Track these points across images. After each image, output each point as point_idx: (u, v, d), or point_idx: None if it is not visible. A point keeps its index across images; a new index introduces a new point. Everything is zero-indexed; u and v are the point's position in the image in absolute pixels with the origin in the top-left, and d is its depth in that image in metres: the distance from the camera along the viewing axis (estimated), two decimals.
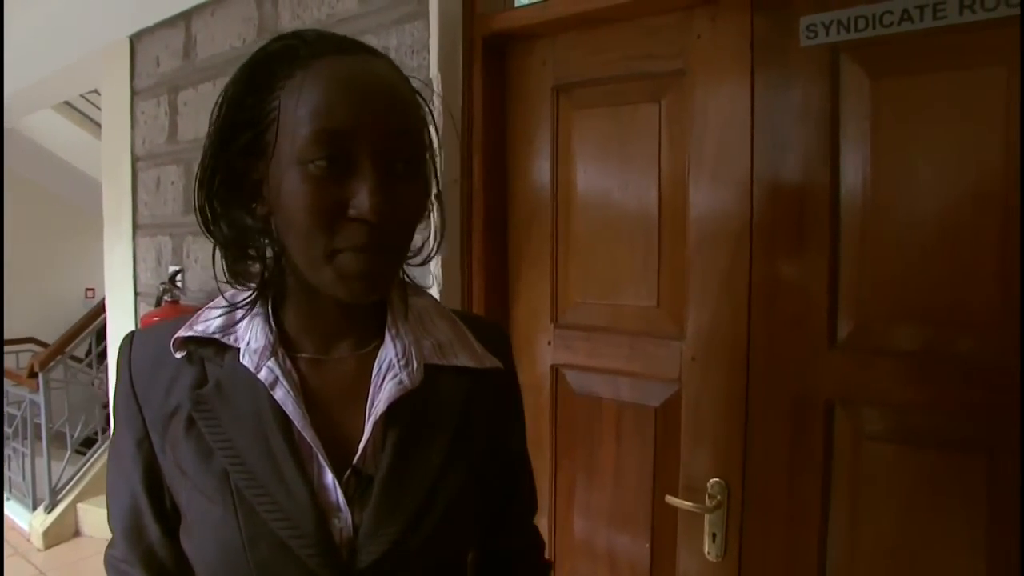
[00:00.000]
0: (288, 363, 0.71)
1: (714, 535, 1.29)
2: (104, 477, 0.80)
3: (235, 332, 0.73)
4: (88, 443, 4.42)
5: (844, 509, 1.18)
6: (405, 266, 0.76)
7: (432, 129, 0.73)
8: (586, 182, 1.48)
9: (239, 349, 0.71)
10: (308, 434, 0.67)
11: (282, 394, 0.68)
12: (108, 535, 0.79)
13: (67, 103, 5.01)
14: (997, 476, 1.06)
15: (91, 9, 2.59)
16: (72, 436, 4.27)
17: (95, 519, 4.00)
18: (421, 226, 0.72)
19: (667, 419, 1.37)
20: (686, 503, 1.31)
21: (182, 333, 0.72)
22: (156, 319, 1.96)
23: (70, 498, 4.08)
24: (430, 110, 0.74)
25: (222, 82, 2.12)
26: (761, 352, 1.25)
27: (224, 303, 0.74)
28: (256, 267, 0.72)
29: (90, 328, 4.43)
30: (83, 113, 5.25)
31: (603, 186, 1.44)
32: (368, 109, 0.63)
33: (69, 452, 4.24)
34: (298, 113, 0.63)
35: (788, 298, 1.22)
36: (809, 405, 1.20)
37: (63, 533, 4.04)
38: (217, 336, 0.72)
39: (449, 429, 0.73)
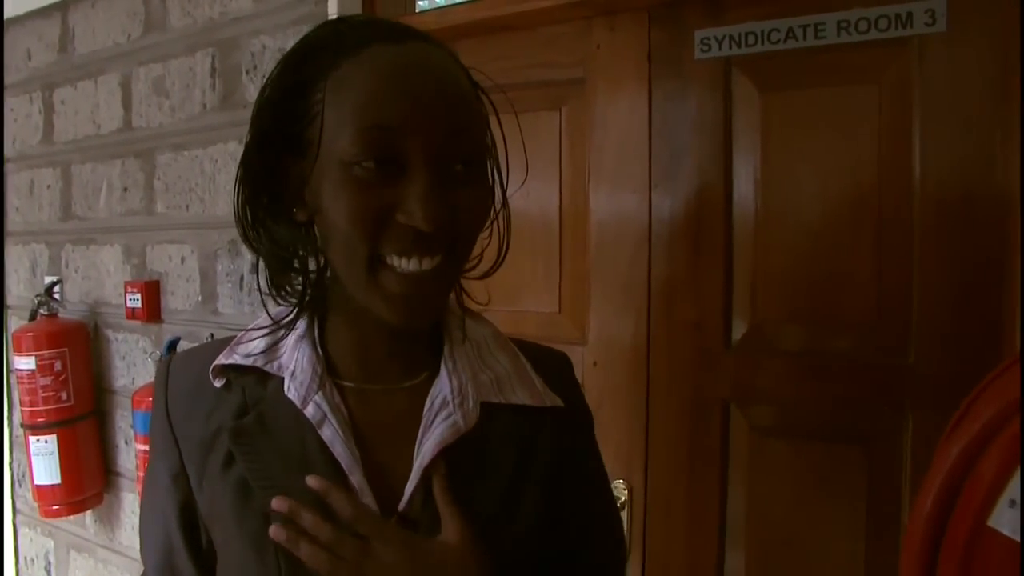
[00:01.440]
0: (336, 396, 0.65)
1: None
2: None
3: (279, 358, 0.66)
4: None
5: (740, 503, 1.23)
6: (463, 285, 0.70)
7: (494, 130, 0.65)
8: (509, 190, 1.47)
9: (283, 378, 0.65)
10: (356, 479, 0.61)
11: (330, 434, 0.62)
12: None
13: None
14: (874, 464, 1.13)
15: None
16: None
17: None
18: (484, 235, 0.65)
19: None
20: None
21: (221, 360, 0.66)
22: (30, 334, 1.81)
23: None
24: (493, 108, 0.66)
25: (105, 80, 1.98)
26: (661, 355, 1.28)
27: (267, 323, 0.67)
28: (299, 282, 0.65)
29: None
30: None
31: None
32: (421, 104, 0.55)
33: None
34: (343, 108, 0.56)
35: (686, 302, 1.26)
36: (706, 405, 1.24)
37: None
38: (259, 364, 0.65)
39: (504, 476, 0.65)
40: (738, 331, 1.23)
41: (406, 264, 0.56)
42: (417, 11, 1.53)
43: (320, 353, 0.66)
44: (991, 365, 1.03)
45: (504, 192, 0.68)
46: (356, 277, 0.58)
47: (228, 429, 0.63)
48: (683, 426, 1.27)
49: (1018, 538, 0.62)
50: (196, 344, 1.71)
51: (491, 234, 0.67)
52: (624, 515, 1.31)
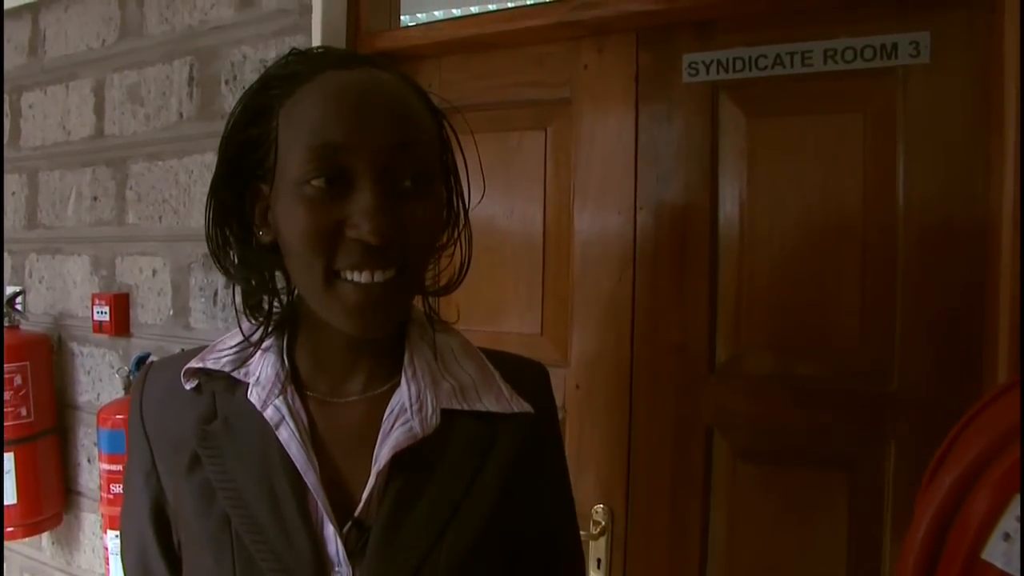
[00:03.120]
0: (297, 402, 0.67)
1: (599, 561, 1.30)
2: None
3: (248, 366, 0.69)
4: None
5: (722, 528, 1.22)
6: (430, 299, 0.72)
7: (453, 152, 0.69)
8: (470, 207, 1.46)
9: (249, 384, 0.67)
10: (310, 479, 0.62)
11: (287, 435, 0.64)
12: None
13: None
14: (857, 490, 1.13)
15: None
16: None
17: None
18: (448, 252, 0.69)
19: None
20: None
21: (193, 364, 0.68)
22: None
23: None
24: (452, 129, 0.70)
25: (77, 85, 1.93)
26: (644, 379, 1.27)
27: (238, 338, 0.69)
28: (257, 304, 0.68)
29: None
30: None
31: (488, 212, 1.43)
32: (366, 121, 0.58)
33: None
34: (294, 131, 0.59)
35: (670, 326, 1.25)
36: (690, 430, 1.24)
37: None
38: (228, 370, 0.68)
39: (462, 481, 0.66)
40: (722, 355, 1.22)
41: (359, 276, 0.59)
42: (402, 26, 1.51)
43: (285, 363, 0.68)
44: (973, 392, 1.04)
45: (466, 210, 0.72)
46: (314, 291, 0.61)
47: (195, 432, 0.66)
48: (665, 450, 1.25)
49: (1012, 572, 0.61)
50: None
51: (454, 252, 0.72)
52: (604, 540, 1.29)
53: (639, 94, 1.26)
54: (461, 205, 0.71)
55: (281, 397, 0.66)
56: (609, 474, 1.30)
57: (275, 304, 0.69)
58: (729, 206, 1.21)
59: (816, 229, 1.15)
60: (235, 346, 0.70)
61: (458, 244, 0.72)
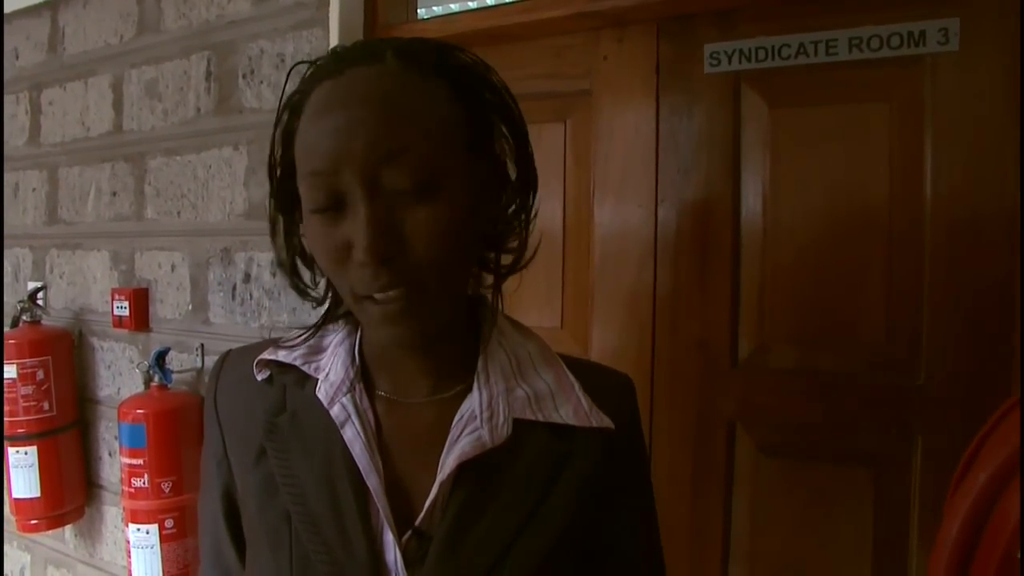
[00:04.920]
0: (364, 401, 0.65)
1: None
2: None
3: (318, 361, 0.68)
4: None
5: (745, 524, 1.21)
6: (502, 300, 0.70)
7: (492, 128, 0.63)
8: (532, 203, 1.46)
9: (319, 379, 0.66)
10: (372, 482, 0.60)
11: (351, 434, 0.62)
12: None
13: None
14: (882, 486, 1.11)
15: None
16: None
17: None
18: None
19: None
20: None
21: (266, 355, 0.68)
22: (11, 342, 1.76)
23: None
24: (499, 102, 0.63)
25: (95, 81, 1.94)
26: (665, 374, 1.26)
27: (304, 338, 0.70)
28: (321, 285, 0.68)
29: None
30: None
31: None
32: (349, 138, 0.54)
33: None
34: (298, 160, 0.59)
35: (691, 319, 1.24)
36: (712, 425, 1.22)
37: None
38: (298, 364, 0.67)
39: (532, 497, 0.62)
40: (744, 349, 1.21)
41: (375, 295, 0.57)
42: (419, 18, 1.50)
43: (356, 360, 0.67)
44: (1003, 386, 1.02)
45: (525, 192, 0.67)
46: (351, 305, 0.61)
47: (263, 424, 0.66)
48: (688, 445, 1.24)
49: None
50: (185, 355, 1.67)
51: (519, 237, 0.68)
52: None
53: (660, 85, 1.25)
54: (511, 188, 0.65)
55: (349, 395, 0.64)
56: None
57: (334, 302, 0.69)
58: (752, 198, 1.19)
59: (841, 221, 1.13)
60: (307, 335, 0.69)
61: (520, 236, 0.68)
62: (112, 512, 1.89)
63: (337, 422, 0.63)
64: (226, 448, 0.70)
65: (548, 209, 1.37)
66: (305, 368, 0.67)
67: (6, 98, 2.13)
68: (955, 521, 0.70)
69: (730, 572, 1.22)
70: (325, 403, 0.64)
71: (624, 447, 0.70)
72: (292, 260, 0.67)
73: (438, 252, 0.57)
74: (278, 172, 0.63)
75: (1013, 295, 1.03)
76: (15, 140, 2.10)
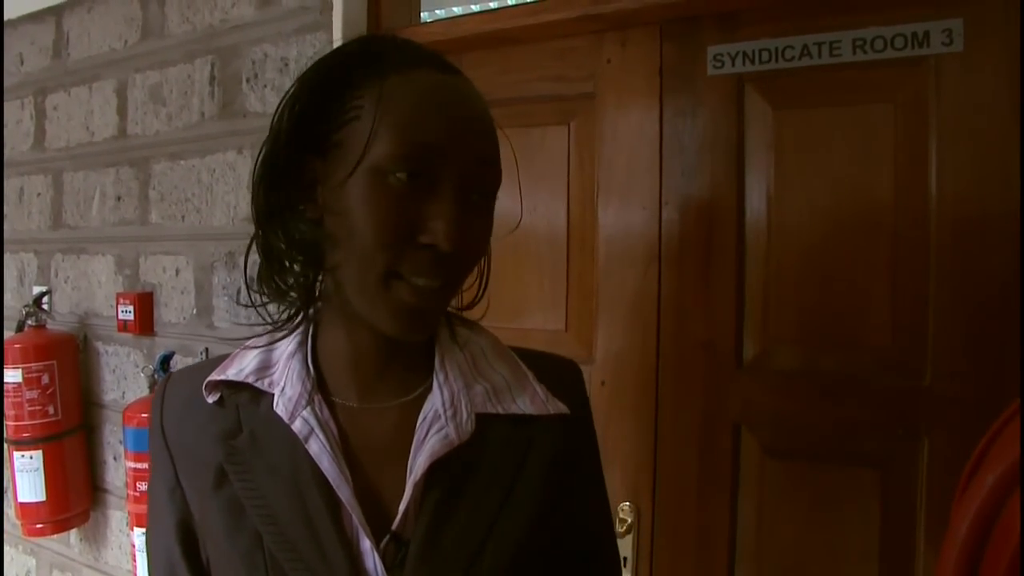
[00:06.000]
0: (325, 412, 0.64)
1: (625, 559, 1.29)
2: None
3: (271, 375, 0.66)
4: None
5: (751, 526, 1.21)
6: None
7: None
8: (506, 207, 1.45)
9: (274, 395, 0.65)
10: (344, 494, 0.60)
11: (317, 448, 0.61)
12: None
13: None
14: (889, 488, 1.11)
15: None
16: None
17: None
18: None
19: None
20: None
21: (214, 376, 0.66)
22: (17, 346, 1.76)
23: None
24: (513, 153, 0.69)
25: (100, 86, 1.94)
26: (670, 375, 1.26)
27: (261, 340, 0.68)
28: (295, 283, 0.65)
29: None
30: None
31: (512, 208, 1.42)
32: (462, 131, 0.58)
33: None
34: (388, 118, 0.57)
35: (696, 321, 1.23)
36: (717, 427, 1.22)
37: None
38: (251, 381, 0.66)
39: (501, 487, 0.64)
40: (749, 351, 1.20)
41: (419, 280, 0.58)
42: (423, 21, 1.51)
43: (311, 370, 0.66)
44: (1010, 387, 1.02)
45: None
46: (365, 286, 0.59)
47: (221, 447, 0.64)
48: (692, 447, 1.24)
49: None
50: (190, 359, 1.68)
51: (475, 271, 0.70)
52: (631, 538, 1.28)
53: (663, 87, 1.25)
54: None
55: (309, 408, 0.63)
56: (635, 471, 1.29)
57: (314, 290, 0.66)
58: (756, 200, 1.19)
59: (846, 222, 1.13)
60: (258, 352, 0.68)
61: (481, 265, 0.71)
62: (117, 516, 1.89)
63: (300, 436, 0.62)
64: (178, 476, 0.67)
65: (552, 212, 1.37)
66: (259, 385, 0.66)
67: (11, 103, 2.13)
68: (963, 522, 0.70)
69: (736, 574, 1.22)
70: (285, 418, 0.63)
71: (579, 429, 0.74)
72: (289, 247, 0.63)
73: (477, 259, 0.65)
74: (310, 105, 0.61)
75: (1019, 295, 1.02)
76: (20, 145, 2.11)
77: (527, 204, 1.40)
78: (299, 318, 0.68)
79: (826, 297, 1.14)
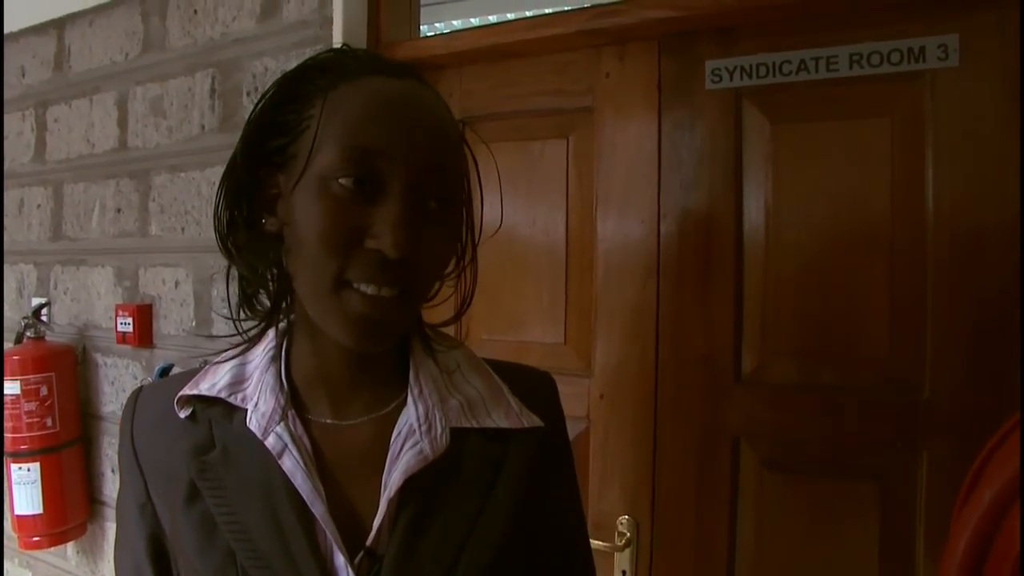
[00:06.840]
0: (299, 428, 0.64)
1: (624, 573, 1.28)
2: None
3: (244, 390, 0.66)
4: None
5: (749, 540, 1.20)
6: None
7: (470, 183, 0.67)
8: (492, 217, 1.46)
9: (247, 410, 0.64)
10: (318, 510, 0.60)
11: (291, 464, 0.61)
12: None
13: None
14: (888, 502, 1.11)
15: None
16: None
17: None
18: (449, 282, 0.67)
19: (576, 457, 1.35)
20: (595, 542, 1.28)
21: (186, 391, 0.66)
22: (15, 358, 1.76)
23: None
24: (475, 161, 0.67)
25: (100, 99, 1.95)
26: (669, 389, 1.26)
27: (232, 356, 0.68)
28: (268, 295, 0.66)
29: None
30: None
31: (510, 221, 1.43)
32: (408, 134, 0.57)
33: None
34: (333, 126, 0.57)
35: (695, 334, 1.24)
36: (715, 439, 1.22)
37: None
38: (224, 396, 0.65)
39: (475, 502, 0.64)
40: (748, 364, 1.21)
41: (367, 288, 0.57)
42: (422, 36, 1.52)
43: (284, 385, 0.66)
44: (1009, 400, 1.02)
45: (474, 245, 0.69)
46: (317, 295, 0.59)
47: (193, 463, 0.63)
48: (691, 461, 1.24)
49: None
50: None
51: (457, 285, 0.69)
52: (629, 552, 1.28)
53: (661, 102, 1.26)
54: (471, 239, 0.69)
55: (283, 423, 0.63)
56: (634, 485, 1.28)
57: (280, 302, 0.67)
58: (754, 214, 1.19)
59: (843, 236, 1.13)
60: (231, 367, 0.67)
61: (462, 277, 0.69)
62: (115, 529, 1.88)
63: (274, 452, 0.61)
64: (149, 491, 0.66)
65: (551, 225, 1.38)
66: (232, 400, 0.65)
67: (12, 115, 2.14)
68: (962, 537, 0.69)
69: None
70: (259, 434, 0.62)
71: (554, 442, 0.74)
72: (250, 261, 0.65)
73: (437, 270, 0.62)
74: (269, 120, 0.61)
75: (1017, 308, 1.02)
76: (21, 157, 2.12)
77: (526, 218, 1.40)
78: (264, 332, 0.68)
79: (824, 310, 1.14)
